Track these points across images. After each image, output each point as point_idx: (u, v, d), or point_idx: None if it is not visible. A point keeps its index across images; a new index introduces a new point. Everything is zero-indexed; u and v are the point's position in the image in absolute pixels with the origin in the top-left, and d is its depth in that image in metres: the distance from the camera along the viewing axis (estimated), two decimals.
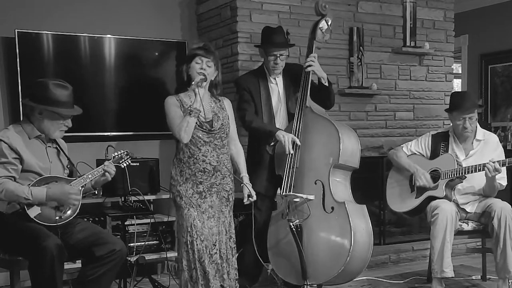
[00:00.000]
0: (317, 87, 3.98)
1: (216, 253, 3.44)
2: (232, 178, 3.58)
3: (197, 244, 3.36)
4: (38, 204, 3.08)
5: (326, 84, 3.94)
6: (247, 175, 3.62)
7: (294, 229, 3.62)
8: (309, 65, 3.89)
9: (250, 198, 3.56)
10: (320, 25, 3.98)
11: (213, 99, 3.55)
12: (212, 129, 3.43)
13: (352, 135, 3.85)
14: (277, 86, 4.04)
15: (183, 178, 3.41)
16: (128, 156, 3.46)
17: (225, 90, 4.84)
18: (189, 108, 3.30)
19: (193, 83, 3.34)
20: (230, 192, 3.54)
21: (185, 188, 3.40)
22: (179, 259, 3.47)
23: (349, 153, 3.76)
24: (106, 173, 3.27)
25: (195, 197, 3.40)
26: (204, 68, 3.43)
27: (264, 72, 4.05)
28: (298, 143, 3.78)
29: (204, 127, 3.40)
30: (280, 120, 4.02)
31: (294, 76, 3.99)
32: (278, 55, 3.94)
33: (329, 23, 3.99)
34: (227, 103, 3.62)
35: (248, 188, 3.55)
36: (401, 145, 4.31)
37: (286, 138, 3.74)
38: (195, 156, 3.40)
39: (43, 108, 3.16)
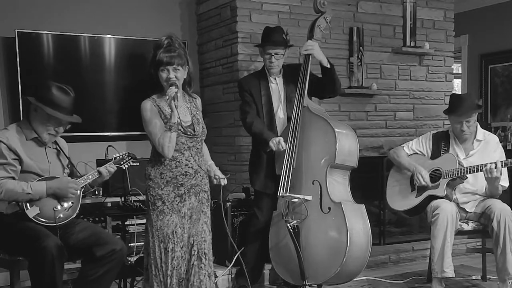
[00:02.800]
0: (320, 76, 3.97)
1: (194, 254, 3.31)
2: (207, 178, 3.46)
3: (177, 251, 3.26)
4: (39, 199, 3.08)
5: (328, 66, 3.92)
6: (212, 162, 3.52)
7: (291, 230, 3.62)
8: (306, 49, 3.90)
9: (221, 180, 3.43)
10: (319, 23, 3.98)
11: (187, 99, 3.40)
12: (195, 133, 3.32)
13: (350, 134, 3.83)
14: (277, 86, 4.05)
15: (164, 181, 3.27)
16: (130, 158, 3.45)
17: (225, 90, 4.87)
18: (168, 124, 3.18)
19: (166, 97, 3.16)
20: (208, 192, 3.43)
21: (167, 192, 3.26)
22: (152, 263, 3.30)
23: (346, 153, 3.76)
24: (102, 173, 3.26)
25: (176, 201, 3.28)
26: (171, 77, 3.23)
27: (265, 73, 4.06)
28: (284, 147, 3.75)
29: (188, 133, 3.28)
30: (280, 120, 4.02)
31: (294, 77, 3.99)
32: (273, 54, 3.94)
33: (328, 20, 3.99)
34: (199, 103, 3.47)
35: (217, 171, 3.45)
36: (402, 145, 4.31)
37: (275, 144, 3.75)
38: (178, 160, 3.28)
39: (37, 105, 3.16)
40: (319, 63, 3.94)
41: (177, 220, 3.27)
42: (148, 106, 3.29)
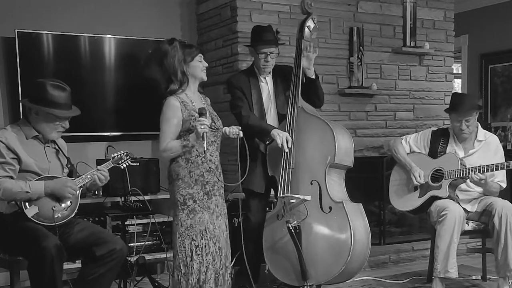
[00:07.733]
0: (306, 84, 3.95)
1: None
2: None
3: (210, 247, 3.36)
4: (37, 199, 3.08)
5: (313, 77, 3.92)
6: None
7: (292, 231, 3.61)
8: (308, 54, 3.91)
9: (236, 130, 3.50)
10: (308, 23, 3.97)
11: (201, 97, 3.54)
12: (218, 127, 3.46)
13: (346, 134, 3.84)
14: (267, 86, 4.03)
15: (193, 179, 3.37)
16: (128, 157, 3.46)
17: (225, 90, 4.85)
18: (186, 141, 3.27)
19: (204, 143, 3.18)
20: (225, 188, 3.58)
21: (197, 190, 3.37)
22: (180, 262, 3.36)
23: (343, 152, 3.76)
24: (96, 178, 3.23)
25: (204, 198, 3.40)
26: (206, 65, 3.47)
27: (254, 72, 4.03)
28: (289, 144, 3.74)
29: (212, 127, 3.39)
30: (271, 119, 4.00)
31: (284, 76, 3.99)
32: (268, 53, 3.93)
33: (315, 21, 3.99)
34: (209, 102, 3.62)
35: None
36: (401, 138, 4.31)
37: (281, 136, 3.74)
38: (203, 156, 3.38)
39: (39, 109, 3.16)
40: (304, 72, 3.91)
41: (207, 216, 3.38)
42: (171, 103, 3.36)
